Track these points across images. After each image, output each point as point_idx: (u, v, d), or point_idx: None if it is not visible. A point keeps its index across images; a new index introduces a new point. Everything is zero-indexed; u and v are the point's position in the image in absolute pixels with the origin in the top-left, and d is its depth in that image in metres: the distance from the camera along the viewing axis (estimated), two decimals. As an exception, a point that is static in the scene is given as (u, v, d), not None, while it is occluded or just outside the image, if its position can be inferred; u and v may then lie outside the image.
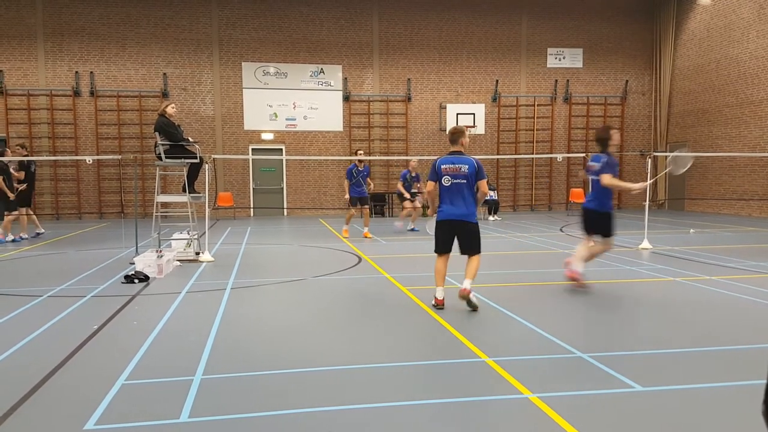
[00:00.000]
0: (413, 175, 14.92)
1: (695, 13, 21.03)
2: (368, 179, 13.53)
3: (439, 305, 6.40)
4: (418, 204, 14.97)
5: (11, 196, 12.96)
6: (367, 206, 13.60)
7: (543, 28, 22.07)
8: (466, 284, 6.26)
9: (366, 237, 13.23)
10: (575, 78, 22.33)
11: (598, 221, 7.54)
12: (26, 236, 13.49)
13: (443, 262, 6.54)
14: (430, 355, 4.89)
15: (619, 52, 22.57)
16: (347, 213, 13.81)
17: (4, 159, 13.00)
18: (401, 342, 5.33)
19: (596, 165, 7.44)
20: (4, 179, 12.86)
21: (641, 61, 22.78)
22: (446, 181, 6.35)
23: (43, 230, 14.35)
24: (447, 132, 7.02)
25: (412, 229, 14.69)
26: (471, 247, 6.48)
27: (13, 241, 12.94)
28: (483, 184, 6.44)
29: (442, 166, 6.38)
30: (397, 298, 7.10)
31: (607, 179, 7.21)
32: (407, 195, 14.81)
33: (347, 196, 13.37)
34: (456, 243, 6.54)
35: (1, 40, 19.26)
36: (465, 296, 6.24)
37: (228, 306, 6.72)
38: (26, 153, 14.08)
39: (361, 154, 13.71)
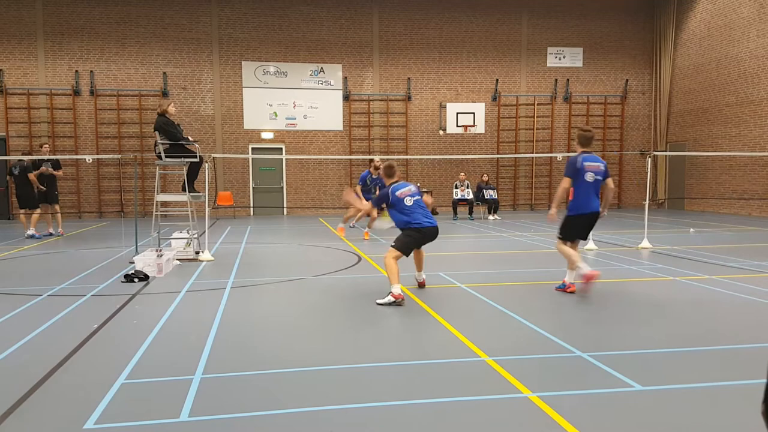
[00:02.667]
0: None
1: (695, 12, 21.03)
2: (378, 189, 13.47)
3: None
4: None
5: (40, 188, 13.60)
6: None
7: (543, 28, 22.06)
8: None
9: (367, 238, 13.23)
10: (575, 77, 22.32)
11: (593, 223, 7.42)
12: (53, 232, 14.04)
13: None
14: (430, 355, 4.89)
15: (619, 51, 22.56)
16: (347, 214, 13.64)
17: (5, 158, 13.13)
18: (401, 341, 5.33)
19: (600, 166, 7.15)
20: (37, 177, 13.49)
21: (641, 60, 22.78)
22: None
23: (53, 231, 14.36)
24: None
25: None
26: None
27: (35, 236, 13.33)
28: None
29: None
30: (397, 298, 7.09)
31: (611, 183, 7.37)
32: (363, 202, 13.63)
33: (363, 201, 13.25)
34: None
35: (1, 38, 19.25)
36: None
37: (228, 305, 6.72)
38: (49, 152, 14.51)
39: (378, 161, 13.32)
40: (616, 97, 22.61)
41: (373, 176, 13.19)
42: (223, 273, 8.87)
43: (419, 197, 7.38)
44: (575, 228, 7.29)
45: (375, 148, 21.26)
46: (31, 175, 13.38)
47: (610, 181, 7.34)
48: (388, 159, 11.05)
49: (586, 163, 7.06)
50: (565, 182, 7.15)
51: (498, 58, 21.91)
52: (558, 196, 7.26)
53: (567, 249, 7.21)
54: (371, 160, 14.02)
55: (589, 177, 7.04)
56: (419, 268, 7.69)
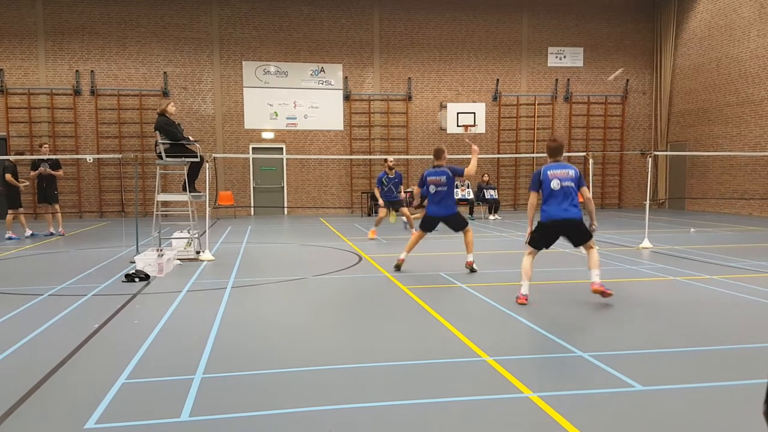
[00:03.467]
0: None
1: (696, 12, 21.02)
2: (401, 186, 13.52)
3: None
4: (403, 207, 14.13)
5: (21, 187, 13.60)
6: (400, 208, 13.58)
7: (544, 27, 22.06)
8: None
9: (374, 237, 13.23)
10: (576, 77, 22.32)
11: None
12: (53, 232, 14.07)
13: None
14: (430, 354, 4.89)
15: (619, 51, 22.55)
16: (378, 215, 13.61)
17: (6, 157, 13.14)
18: (401, 341, 5.33)
19: (569, 172, 6.77)
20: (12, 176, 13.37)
21: (642, 60, 22.77)
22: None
23: (53, 231, 14.33)
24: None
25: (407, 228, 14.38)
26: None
27: (11, 238, 13.13)
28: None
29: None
30: (397, 297, 7.11)
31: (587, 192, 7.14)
32: (381, 201, 13.62)
33: (381, 202, 13.39)
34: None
35: (1, 38, 19.26)
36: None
37: (228, 305, 6.72)
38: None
39: (391, 162, 13.51)
40: (616, 96, 22.60)
41: (390, 176, 13.26)
42: (223, 273, 8.88)
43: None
44: (543, 236, 6.87)
45: (375, 148, 21.26)
46: (8, 176, 13.25)
47: (585, 190, 6.95)
48: (389, 152, 11.08)
49: (550, 171, 6.73)
50: (532, 197, 6.85)
51: (498, 58, 21.91)
52: (528, 215, 6.97)
53: (525, 261, 6.87)
54: (386, 160, 14.03)
55: (555, 184, 6.65)
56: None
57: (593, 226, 6.99)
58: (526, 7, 21.84)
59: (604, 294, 6.54)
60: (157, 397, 4.02)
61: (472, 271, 8.66)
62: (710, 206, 20.50)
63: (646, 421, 3.60)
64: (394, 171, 13.43)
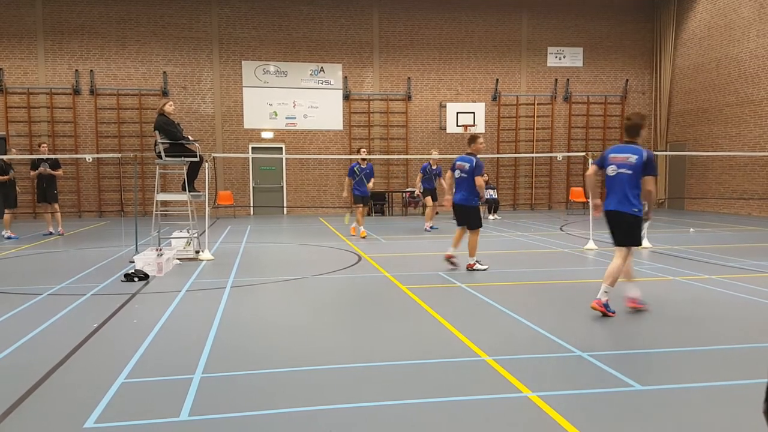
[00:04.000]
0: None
1: (695, 12, 21.02)
2: (371, 178, 13.53)
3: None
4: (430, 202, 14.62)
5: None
6: (366, 206, 13.63)
7: (543, 27, 22.06)
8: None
9: (354, 234, 13.43)
10: (575, 77, 22.32)
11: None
12: (53, 231, 14.08)
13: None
14: (430, 354, 4.88)
15: (619, 51, 22.55)
16: (356, 212, 13.57)
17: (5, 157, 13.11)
18: (400, 340, 5.33)
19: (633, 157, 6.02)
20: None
21: (641, 60, 22.77)
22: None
23: (52, 230, 14.29)
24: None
25: (432, 228, 14.34)
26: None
27: (9, 238, 13.09)
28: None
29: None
30: (397, 297, 7.10)
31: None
32: (419, 191, 14.65)
33: (345, 194, 13.46)
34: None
35: (0, 38, 19.24)
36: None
37: (228, 304, 6.72)
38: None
39: (364, 152, 13.68)
40: (616, 96, 22.60)
41: (362, 166, 13.37)
42: (223, 272, 8.87)
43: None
44: (609, 227, 6.30)
45: (375, 148, 21.25)
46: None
47: (646, 180, 5.99)
48: (388, 152, 11.06)
49: (611, 155, 6.19)
50: (590, 169, 6.47)
51: (498, 58, 21.90)
52: (587, 186, 6.57)
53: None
54: (359, 150, 14.10)
55: (611, 170, 6.13)
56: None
57: (647, 216, 6.24)
58: (525, 7, 21.84)
59: (605, 312, 6.01)
60: (156, 396, 4.02)
61: (474, 270, 8.71)
62: (710, 206, 20.51)
63: (645, 420, 3.59)
64: (366, 162, 13.46)
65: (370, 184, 13.65)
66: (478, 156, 8.88)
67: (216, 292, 7.39)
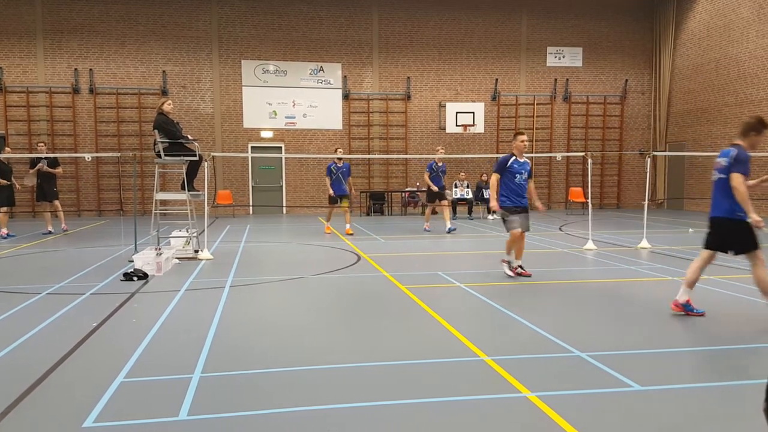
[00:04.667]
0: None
1: (695, 12, 21.03)
2: (348, 179, 13.59)
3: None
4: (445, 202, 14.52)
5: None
6: (346, 204, 13.73)
7: (543, 27, 22.06)
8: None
9: (348, 233, 13.57)
10: (575, 77, 22.32)
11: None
12: (52, 230, 14.05)
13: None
14: (429, 354, 4.88)
15: (618, 51, 22.56)
16: (330, 212, 14.32)
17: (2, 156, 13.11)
18: (400, 340, 5.33)
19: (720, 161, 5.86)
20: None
21: (641, 60, 22.78)
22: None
23: (52, 229, 14.26)
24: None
25: (451, 229, 13.87)
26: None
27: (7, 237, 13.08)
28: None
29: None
30: (396, 297, 7.10)
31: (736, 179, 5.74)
32: (435, 188, 14.07)
33: (331, 192, 13.61)
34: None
35: (0, 36, 19.22)
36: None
37: (227, 304, 6.71)
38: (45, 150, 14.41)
39: (340, 152, 13.79)
40: (615, 97, 22.61)
41: (338, 165, 13.52)
42: (222, 272, 8.87)
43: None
44: (710, 232, 6.17)
45: (374, 148, 21.25)
46: None
47: (732, 177, 5.81)
48: (387, 152, 11.04)
49: (718, 159, 5.88)
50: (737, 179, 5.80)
51: (497, 58, 21.91)
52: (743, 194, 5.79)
53: (694, 262, 6.17)
54: (336, 150, 14.16)
55: (714, 175, 6.00)
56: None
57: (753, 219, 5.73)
58: (525, 7, 21.84)
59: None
60: (155, 395, 4.02)
61: (521, 275, 8.23)
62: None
63: (645, 421, 3.59)
64: (342, 161, 13.56)
65: (351, 187, 13.88)
66: (524, 156, 8.32)
67: (215, 292, 7.39)
